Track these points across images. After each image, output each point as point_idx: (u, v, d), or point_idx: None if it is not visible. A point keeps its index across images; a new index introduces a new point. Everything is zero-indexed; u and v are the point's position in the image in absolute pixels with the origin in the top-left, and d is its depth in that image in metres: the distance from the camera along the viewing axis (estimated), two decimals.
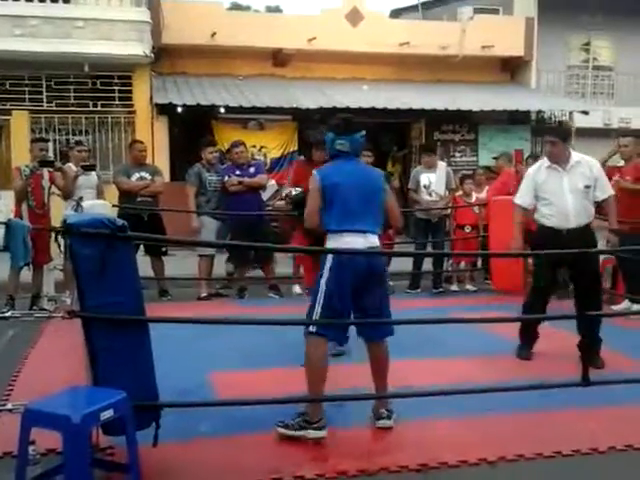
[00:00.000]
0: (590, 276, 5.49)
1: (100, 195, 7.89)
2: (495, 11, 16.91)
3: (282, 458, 3.74)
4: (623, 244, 6.39)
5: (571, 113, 15.51)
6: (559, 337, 5.90)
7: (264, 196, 9.22)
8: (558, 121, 15.80)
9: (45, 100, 12.91)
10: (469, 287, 9.25)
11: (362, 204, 4.14)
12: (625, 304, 7.36)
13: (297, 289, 8.86)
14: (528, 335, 5.71)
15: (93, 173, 7.95)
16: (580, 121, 15.36)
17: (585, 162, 5.55)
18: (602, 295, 5.86)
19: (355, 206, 4.11)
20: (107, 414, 3.13)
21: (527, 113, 15.29)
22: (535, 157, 9.96)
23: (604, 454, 3.88)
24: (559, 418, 4.35)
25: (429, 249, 9.28)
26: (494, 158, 9.97)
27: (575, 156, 5.56)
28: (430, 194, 8.93)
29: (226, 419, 4.20)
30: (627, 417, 4.42)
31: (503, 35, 15.35)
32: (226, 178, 8.32)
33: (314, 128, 10.70)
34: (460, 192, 9.54)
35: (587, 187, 5.50)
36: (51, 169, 7.49)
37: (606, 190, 5.62)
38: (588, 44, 17.86)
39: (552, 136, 5.69)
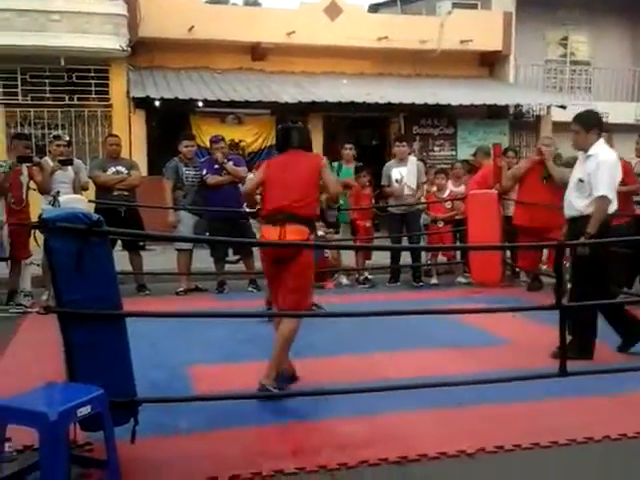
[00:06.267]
0: (576, 269, 5.54)
1: (77, 190, 7.81)
2: (473, 6, 16.93)
3: (262, 452, 3.72)
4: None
5: (549, 107, 15.60)
6: (535, 328, 5.94)
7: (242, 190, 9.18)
8: (536, 115, 15.89)
9: (20, 94, 12.76)
10: (461, 279, 9.26)
11: None
12: None
13: None
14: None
15: (69, 168, 7.86)
16: (558, 115, 15.44)
17: (595, 155, 5.31)
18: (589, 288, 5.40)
19: None
20: (84, 410, 3.09)
21: (505, 107, 15.37)
22: (514, 151, 10.00)
23: (582, 445, 3.90)
24: (537, 410, 4.37)
25: (405, 243, 9.29)
26: (473, 154, 9.99)
27: (594, 148, 5.34)
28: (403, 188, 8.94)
29: (205, 413, 4.18)
30: (604, 408, 4.45)
31: (481, 30, 15.39)
32: (204, 172, 8.28)
33: None
34: (435, 188, 9.57)
35: (580, 181, 5.36)
36: (29, 164, 7.41)
37: (596, 189, 5.24)
38: (566, 39, 17.96)
39: (575, 123, 5.48)
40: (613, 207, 5.35)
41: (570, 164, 7.46)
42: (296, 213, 4.56)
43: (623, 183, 7.27)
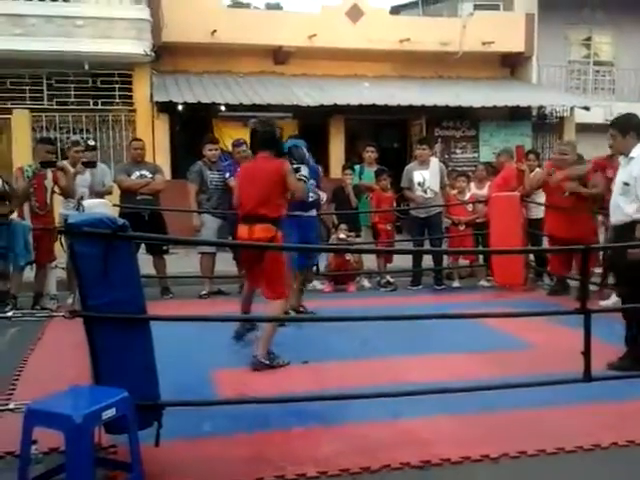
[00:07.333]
0: (622, 276, 5.45)
1: (93, 193, 7.83)
2: (495, 7, 16.85)
3: (285, 456, 3.73)
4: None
5: (572, 109, 15.48)
6: (559, 333, 5.89)
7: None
8: (559, 117, 15.78)
9: (46, 99, 12.92)
10: (484, 283, 9.19)
11: None
12: (614, 298, 7.32)
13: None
14: None
15: (87, 172, 7.93)
16: (581, 117, 15.35)
17: (638, 157, 5.22)
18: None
19: None
20: (109, 413, 3.13)
21: (528, 109, 15.26)
22: (536, 153, 9.93)
23: (606, 450, 3.87)
24: (561, 414, 4.35)
25: (427, 246, 9.26)
26: (498, 154, 9.88)
27: (635, 150, 5.26)
28: (425, 191, 8.89)
29: (228, 417, 4.19)
30: (629, 413, 4.42)
31: (503, 31, 15.32)
32: (227, 175, 8.32)
33: None
34: (455, 190, 9.53)
35: (625, 184, 5.24)
36: (53, 169, 7.49)
37: None
38: (589, 39, 17.83)
39: (612, 128, 5.50)
40: None
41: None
42: (261, 215, 5.33)
43: None
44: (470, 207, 9.41)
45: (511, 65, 16.53)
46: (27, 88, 12.85)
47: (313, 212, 7.01)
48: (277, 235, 5.37)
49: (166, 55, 13.98)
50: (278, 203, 5.45)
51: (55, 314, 7.06)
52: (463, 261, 9.70)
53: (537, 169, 9.14)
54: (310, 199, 6.66)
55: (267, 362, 5.31)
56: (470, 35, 15.10)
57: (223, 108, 13.23)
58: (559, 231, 7.91)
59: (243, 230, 5.44)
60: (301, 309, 7.06)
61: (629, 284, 5.33)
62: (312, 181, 6.73)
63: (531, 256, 9.04)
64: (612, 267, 5.66)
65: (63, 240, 6.62)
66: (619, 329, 5.43)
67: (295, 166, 6.34)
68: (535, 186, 8.51)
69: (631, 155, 5.29)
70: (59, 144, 12.14)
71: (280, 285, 5.43)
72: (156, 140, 12.91)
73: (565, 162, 8.11)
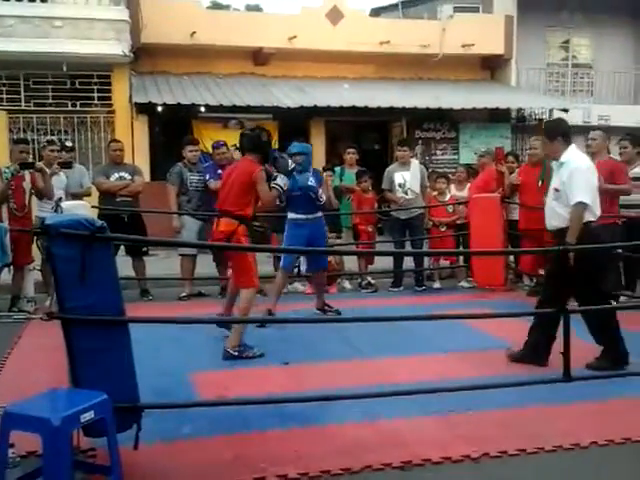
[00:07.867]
0: (564, 277, 5.12)
1: (68, 195, 7.77)
2: (475, 9, 16.95)
3: (265, 457, 3.71)
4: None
5: (551, 111, 15.59)
6: None
7: None
8: (538, 119, 15.89)
9: (23, 100, 12.79)
10: (464, 284, 9.21)
11: None
12: None
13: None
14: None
15: (62, 173, 7.86)
16: None
17: (567, 163, 5.18)
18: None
19: None
20: (87, 416, 3.10)
21: (507, 111, 15.36)
22: (515, 155, 9.98)
23: (586, 449, 3.89)
24: (541, 414, 4.36)
25: (408, 247, 9.27)
26: (481, 155, 9.88)
27: (565, 156, 5.22)
28: (406, 192, 8.91)
29: (208, 419, 4.18)
30: (608, 412, 4.45)
31: (483, 33, 15.39)
32: (207, 177, 8.29)
33: None
34: (435, 192, 9.55)
35: (556, 190, 5.25)
36: (32, 170, 7.42)
37: (572, 197, 5.08)
38: (567, 42, 17.97)
39: (542, 135, 5.56)
40: (596, 212, 5.19)
41: None
42: (228, 211, 5.81)
43: (613, 183, 7.26)
44: (450, 208, 9.44)
45: (491, 67, 16.62)
46: (4, 89, 12.70)
47: (319, 214, 7.22)
48: (238, 229, 5.70)
49: (145, 56, 13.90)
50: (243, 202, 5.79)
51: (33, 316, 7.04)
52: (444, 262, 9.73)
53: (516, 170, 9.19)
54: (320, 201, 7.11)
55: (235, 353, 5.48)
56: (450, 37, 15.17)
57: (203, 109, 13.18)
58: (532, 223, 7.92)
59: (216, 223, 5.99)
60: (327, 308, 7.26)
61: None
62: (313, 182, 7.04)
63: (511, 257, 9.08)
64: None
65: (39, 243, 6.57)
66: None
67: (275, 174, 6.46)
68: (508, 191, 8.56)
69: (561, 160, 5.25)
70: (37, 146, 12.04)
71: (246, 274, 5.72)
72: (135, 141, 12.82)
73: (535, 156, 8.33)
